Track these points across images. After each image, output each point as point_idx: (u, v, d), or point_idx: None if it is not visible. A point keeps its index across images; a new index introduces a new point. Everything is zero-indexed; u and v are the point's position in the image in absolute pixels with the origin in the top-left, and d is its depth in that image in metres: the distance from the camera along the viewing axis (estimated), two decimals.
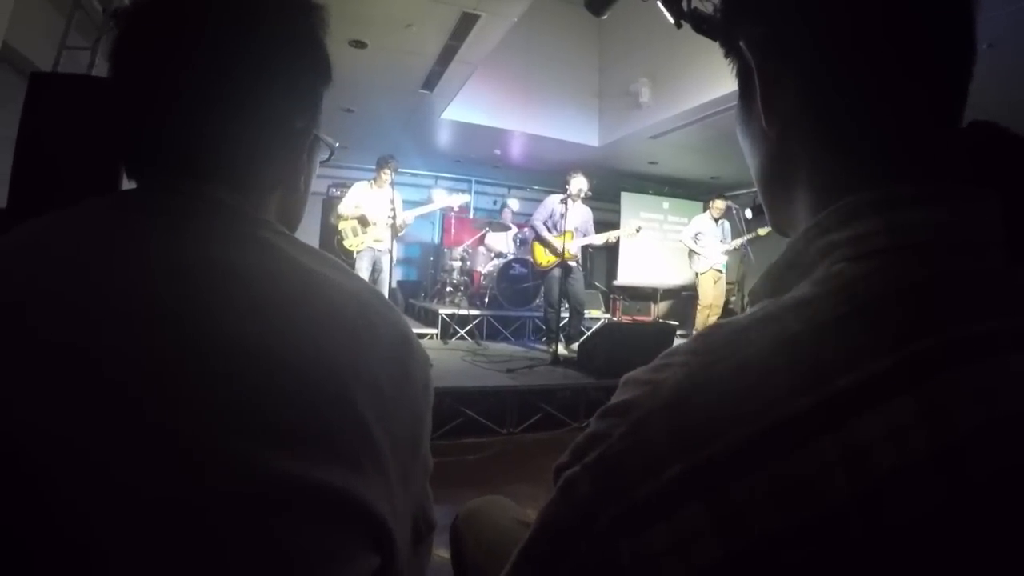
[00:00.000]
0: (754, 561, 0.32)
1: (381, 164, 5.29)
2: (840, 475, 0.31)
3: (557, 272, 5.53)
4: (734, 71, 0.50)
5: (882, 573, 0.31)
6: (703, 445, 0.34)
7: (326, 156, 0.70)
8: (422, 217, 6.65)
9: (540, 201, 6.05)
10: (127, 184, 0.58)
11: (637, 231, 6.22)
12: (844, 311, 0.35)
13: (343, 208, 5.40)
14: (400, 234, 5.35)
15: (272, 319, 0.48)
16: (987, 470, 0.31)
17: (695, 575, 0.33)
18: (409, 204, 6.03)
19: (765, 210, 0.52)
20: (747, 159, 0.51)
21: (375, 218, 5.26)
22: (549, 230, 5.64)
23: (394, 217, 5.05)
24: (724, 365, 0.36)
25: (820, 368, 0.33)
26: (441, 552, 0.93)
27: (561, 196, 5.50)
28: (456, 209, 7.44)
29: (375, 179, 5.41)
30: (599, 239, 5.78)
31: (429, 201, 6.74)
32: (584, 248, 5.87)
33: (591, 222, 5.81)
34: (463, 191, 10.09)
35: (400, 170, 5.49)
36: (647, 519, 0.34)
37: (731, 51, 0.49)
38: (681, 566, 0.33)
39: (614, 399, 0.40)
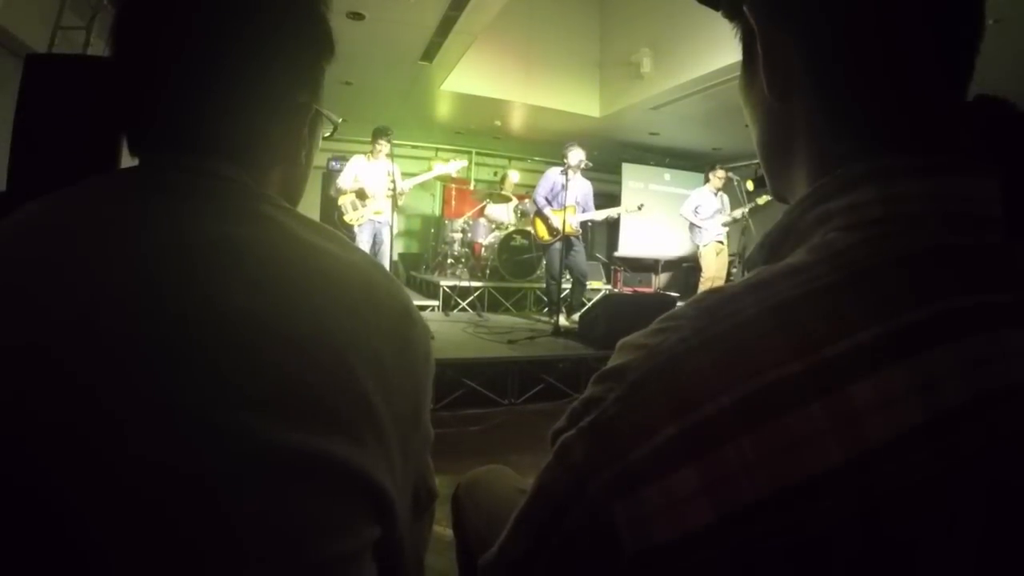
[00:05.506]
0: (744, 524, 0.32)
1: (376, 136, 5.24)
2: (831, 442, 0.31)
3: (559, 244, 5.53)
4: (737, 36, 0.49)
5: (872, 541, 0.31)
6: (696, 408, 0.34)
7: (329, 132, 0.69)
8: (422, 189, 6.62)
9: (541, 172, 6.00)
10: (128, 162, 0.58)
11: (639, 208, 6.11)
12: (835, 280, 0.35)
13: (342, 182, 5.35)
14: (400, 204, 5.31)
15: (272, 293, 0.48)
16: (979, 441, 0.32)
17: (686, 537, 0.33)
18: (410, 177, 5.99)
19: (766, 177, 0.52)
20: (749, 126, 0.51)
21: (373, 191, 5.23)
22: (550, 203, 5.65)
23: (394, 188, 5.01)
24: (717, 329, 0.36)
25: (809, 336, 0.34)
26: (443, 523, 0.95)
27: (561, 168, 5.47)
28: (454, 174, 7.35)
29: (371, 152, 5.36)
30: (600, 215, 5.74)
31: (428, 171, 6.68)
32: (584, 221, 5.85)
33: (591, 195, 5.79)
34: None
35: (400, 143, 5.44)
36: (640, 480, 0.34)
37: (735, 15, 0.48)
38: (672, 528, 0.33)
39: (610, 363, 0.40)
